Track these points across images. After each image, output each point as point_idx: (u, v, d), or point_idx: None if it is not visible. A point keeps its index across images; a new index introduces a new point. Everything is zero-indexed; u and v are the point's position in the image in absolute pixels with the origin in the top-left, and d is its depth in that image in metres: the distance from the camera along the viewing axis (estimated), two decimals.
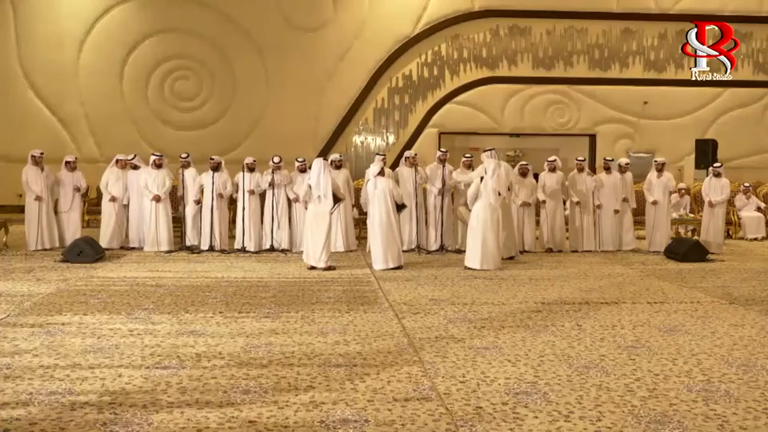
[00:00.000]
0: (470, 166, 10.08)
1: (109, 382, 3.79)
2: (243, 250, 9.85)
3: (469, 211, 8.65)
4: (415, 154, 10.34)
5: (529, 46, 17.06)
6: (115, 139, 15.60)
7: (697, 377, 4.00)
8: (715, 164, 11.05)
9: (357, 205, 10.80)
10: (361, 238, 10.77)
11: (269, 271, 8.08)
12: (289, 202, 10.19)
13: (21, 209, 10.57)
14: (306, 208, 8.63)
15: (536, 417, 3.34)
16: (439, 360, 4.31)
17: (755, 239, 12.23)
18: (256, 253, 9.78)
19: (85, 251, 8.61)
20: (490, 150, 8.71)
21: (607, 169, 10.62)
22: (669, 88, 17.13)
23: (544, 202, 10.27)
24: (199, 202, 10.07)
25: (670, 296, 6.66)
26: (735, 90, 17.11)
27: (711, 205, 10.47)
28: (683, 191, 12.63)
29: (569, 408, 3.46)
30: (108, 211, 10.27)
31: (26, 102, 16.06)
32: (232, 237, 10.44)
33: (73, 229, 10.16)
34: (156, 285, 7.01)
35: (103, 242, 9.87)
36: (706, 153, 15.06)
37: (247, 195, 9.93)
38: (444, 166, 10.03)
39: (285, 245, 10.02)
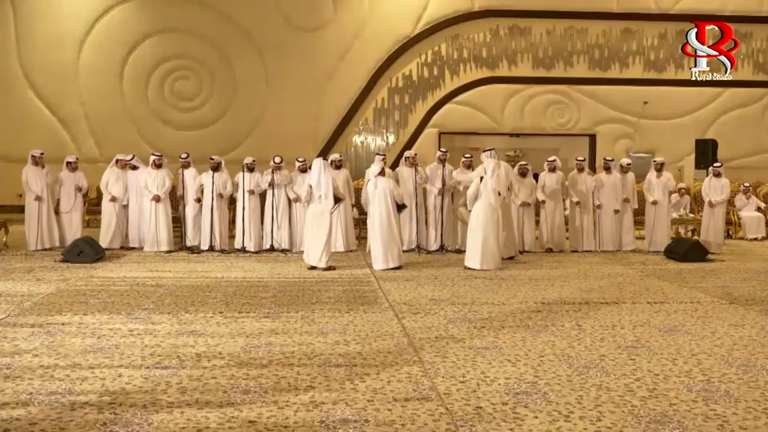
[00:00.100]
0: (470, 166, 10.09)
1: (109, 382, 3.79)
2: (243, 250, 9.85)
3: (469, 211, 8.65)
4: (415, 154, 10.34)
5: (529, 46, 17.07)
6: (115, 139, 15.60)
7: (697, 377, 4.00)
8: (715, 164, 11.05)
9: (357, 205, 10.80)
10: (361, 238, 10.77)
11: (269, 271, 8.08)
12: (289, 202, 10.19)
13: (21, 209, 10.58)
14: (307, 208, 8.63)
15: (536, 417, 3.34)
16: (439, 360, 4.31)
17: (755, 239, 12.23)
18: (256, 253, 9.78)
19: (85, 251, 8.61)
20: (489, 150, 8.71)
21: (607, 169, 10.62)
22: (669, 88, 17.14)
23: (543, 202, 10.27)
24: (199, 200, 10.07)
25: (670, 296, 6.66)
26: (735, 90, 17.12)
27: (711, 205, 10.47)
28: (683, 191, 12.63)
29: (569, 408, 3.46)
30: (108, 211, 10.27)
31: (26, 102, 16.06)
32: (232, 237, 10.44)
33: (74, 229, 10.16)
34: (156, 285, 7.01)
35: (103, 242, 9.87)
36: (706, 153, 15.06)
37: (246, 195, 9.94)
38: (444, 166, 10.03)
39: (285, 245, 10.02)
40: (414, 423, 3.25)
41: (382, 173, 8.75)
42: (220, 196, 9.96)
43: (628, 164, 10.76)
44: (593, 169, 13.05)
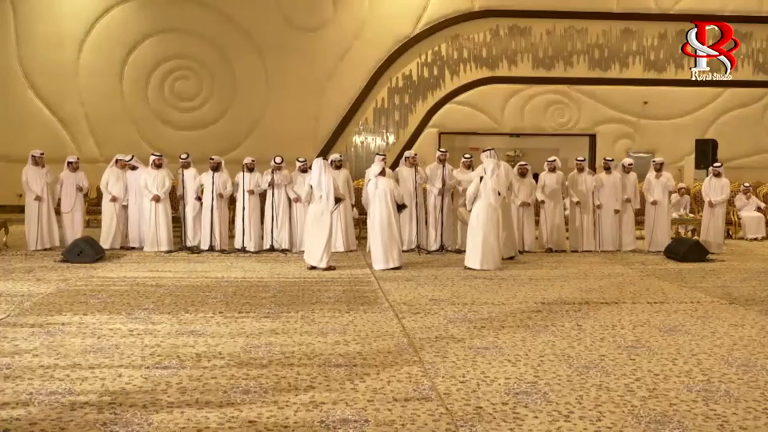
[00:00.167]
0: (470, 166, 10.09)
1: (109, 382, 3.79)
2: (243, 250, 9.85)
3: (469, 211, 8.65)
4: (415, 154, 10.33)
5: (529, 46, 17.07)
6: (115, 139, 15.61)
7: (697, 377, 4.00)
8: (715, 164, 11.04)
9: (357, 205, 10.80)
10: (361, 238, 10.77)
11: (269, 271, 8.08)
12: (290, 202, 10.19)
13: (21, 209, 10.58)
14: (307, 208, 8.63)
15: (536, 417, 3.34)
16: (439, 360, 4.31)
17: (755, 239, 12.23)
18: (256, 253, 9.78)
19: (85, 251, 8.61)
20: (489, 150, 8.71)
21: (607, 169, 10.61)
22: (669, 88, 17.14)
23: (543, 202, 10.27)
24: (200, 199, 10.07)
25: (670, 296, 6.66)
26: (735, 90, 17.12)
27: (711, 205, 10.46)
28: (683, 191, 12.63)
29: (569, 408, 3.46)
30: (108, 212, 10.27)
31: (26, 102, 16.07)
32: (232, 237, 10.44)
33: (76, 229, 10.15)
34: (156, 285, 7.01)
35: (104, 242, 9.88)
36: (706, 153, 15.06)
37: (246, 195, 9.94)
38: (444, 166, 10.03)
39: (285, 245, 10.02)
40: (414, 423, 3.25)
41: (382, 173, 8.75)
42: (220, 196, 9.96)
43: (630, 164, 10.75)
44: (593, 169, 13.05)
